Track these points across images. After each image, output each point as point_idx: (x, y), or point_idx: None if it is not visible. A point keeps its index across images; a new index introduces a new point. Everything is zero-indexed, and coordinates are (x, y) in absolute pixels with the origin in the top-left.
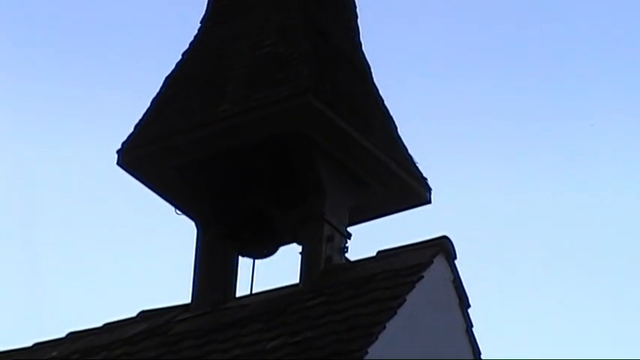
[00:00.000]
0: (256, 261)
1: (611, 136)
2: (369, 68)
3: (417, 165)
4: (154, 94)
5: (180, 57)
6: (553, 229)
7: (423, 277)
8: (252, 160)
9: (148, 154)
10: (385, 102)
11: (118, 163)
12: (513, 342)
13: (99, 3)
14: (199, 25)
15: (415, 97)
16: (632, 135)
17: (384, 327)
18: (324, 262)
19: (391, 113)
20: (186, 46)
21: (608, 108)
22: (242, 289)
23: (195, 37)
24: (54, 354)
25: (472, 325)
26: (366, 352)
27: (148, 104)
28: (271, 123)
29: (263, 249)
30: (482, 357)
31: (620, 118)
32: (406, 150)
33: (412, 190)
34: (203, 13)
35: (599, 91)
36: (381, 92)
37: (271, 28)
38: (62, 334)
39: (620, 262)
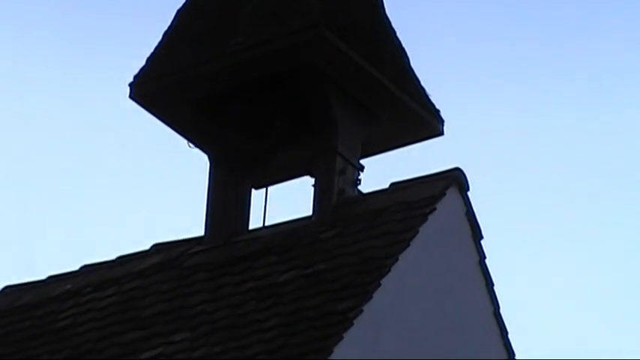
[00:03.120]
0: (269, 194)
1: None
2: (382, 0)
3: (430, 97)
4: (165, 28)
5: None
6: (567, 158)
7: (435, 209)
8: (265, 93)
9: (160, 88)
10: (397, 34)
11: (130, 96)
12: (526, 273)
13: None
14: None
15: (428, 27)
16: None
17: (397, 259)
18: (336, 195)
19: (404, 45)
20: None
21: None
22: (255, 222)
23: None
24: (68, 287)
25: (485, 257)
26: (379, 285)
27: (160, 38)
28: (283, 56)
29: (276, 178)
30: (495, 288)
31: None
32: (419, 82)
33: (424, 122)
34: None
35: (618, 15)
36: (393, 24)
37: None
38: (76, 267)
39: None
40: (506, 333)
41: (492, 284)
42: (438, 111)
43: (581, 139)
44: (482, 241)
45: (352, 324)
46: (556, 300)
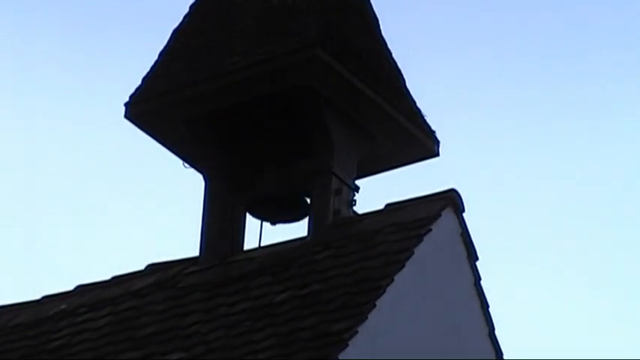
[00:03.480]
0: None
1: (629, 86)
2: (377, 20)
3: (425, 118)
4: (161, 47)
5: (187, 10)
6: (562, 179)
7: (431, 230)
8: (261, 113)
9: (156, 107)
10: (393, 54)
11: (125, 116)
12: (522, 294)
13: None
14: None
15: (424, 49)
16: None
17: (392, 280)
18: (332, 215)
19: (399, 66)
20: None
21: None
22: (250, 243)
23: None
24: (62, 307)
25: (480, 278)
26: (374, 305)
27: (156, 57)
28: (279, 76)
29: (273, 213)
30: (490, 310)
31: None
32: (414, 102)
33: (420, 143)
34: None
35: (614, 28)
36: (388, 45)
37: None
38: (71, 287)
39: (633, 218)
40: (502, 354)
41: (487, 305)
42: (433, 132)
43: (576, 160)
44: (477, 262)
45: (347, 345)
46: (552, 322)
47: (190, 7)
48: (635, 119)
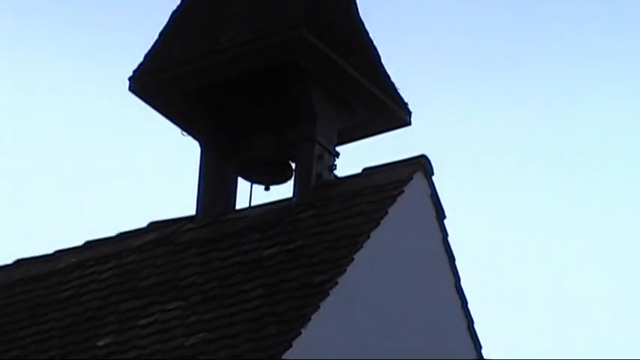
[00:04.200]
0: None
1: (598, 51)
2: (355, 3)
3: (398, 90)
4: (162, 28)
5: None
6: (526, 145)
7: (403, 191)
8: (251, 86)
9: (157, 81)
10: (369, 34)
11: (129, 89)
12: (486, 248)
13: None
14: None
15: (395, 22)
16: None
17: (369, 237)
18: (315, 179)
19: (375, 43)
20: None
21: (601, 25)
22: (241, 203)
23: None
24: (72, 260)
25: (448, 235)
26: (352, 259)
27: (157, 36)
28: (268, 53)
29: (261, 175)
30: (456, 263)
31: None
32: (389, 77)
33: (394, 114)
34: None
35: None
36: (365, 25)
37: None
38: (80, 243)
39: (607, 188)
40: (466, 303)
41: (454, 259)
42: (405, 103)
43: (539, 129)
44: (445, 221)
45: (328, 294)
46: (509, 272)
47: None
48: (607, 73)
